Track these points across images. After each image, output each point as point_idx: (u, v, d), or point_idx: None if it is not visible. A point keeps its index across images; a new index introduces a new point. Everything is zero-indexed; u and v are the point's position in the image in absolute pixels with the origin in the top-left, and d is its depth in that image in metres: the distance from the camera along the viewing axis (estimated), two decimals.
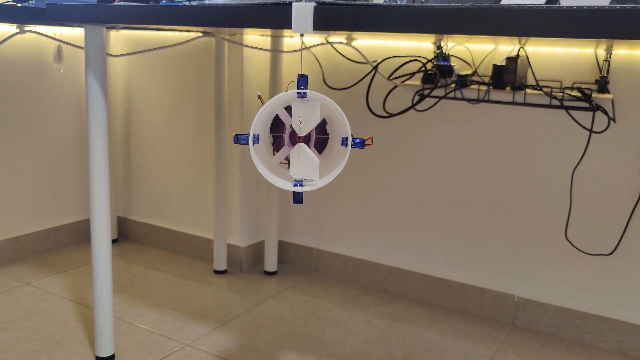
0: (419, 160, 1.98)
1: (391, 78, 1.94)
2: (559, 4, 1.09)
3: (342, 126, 1.02)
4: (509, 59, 1.62)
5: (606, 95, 1.60)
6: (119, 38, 2.42)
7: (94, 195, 1.49)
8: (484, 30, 0.90)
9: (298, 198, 1.04)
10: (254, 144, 1.06)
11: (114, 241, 2.53)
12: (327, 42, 2.03)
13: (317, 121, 1.05)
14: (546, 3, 1.06)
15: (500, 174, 1.86)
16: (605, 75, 1.62)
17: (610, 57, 1.63)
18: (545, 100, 1.66)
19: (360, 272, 2.15)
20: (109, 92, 2.43)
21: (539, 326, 1.85)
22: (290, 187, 1.04)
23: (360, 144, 1.01)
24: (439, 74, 1.74)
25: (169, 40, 2.28)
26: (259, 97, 1.13)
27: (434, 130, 1.94)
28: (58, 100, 2.33)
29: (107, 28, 2.22)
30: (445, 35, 1.24)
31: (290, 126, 1.08)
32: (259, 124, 1.07)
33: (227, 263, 2.25)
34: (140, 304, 1.93)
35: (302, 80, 1.03)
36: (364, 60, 2.01)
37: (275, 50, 2.07)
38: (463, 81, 1.73)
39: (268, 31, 1.75)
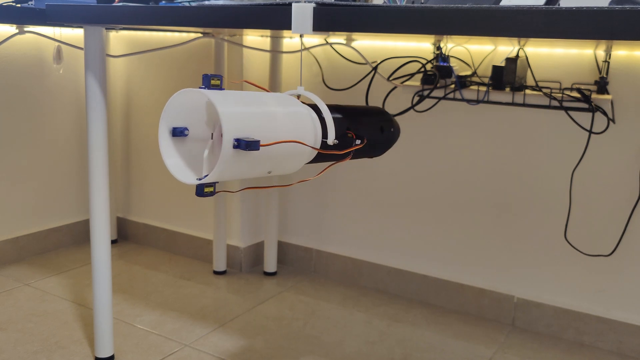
0: (419, 160, 1.98)
1: (391, 79, 1.94)
2: (559, 4, 1.09)
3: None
4: (508, 59, 1.63)
5: (605, 96, 1.61)
6: (119, 39, 2.43)
7: (94, 196, 1.49)
8: (483, 31, 0.90)
9: (197, 191, 1.04)
10: (175, 136, 1.09)
11: (113, 242, 2.53)
12: (327, 42, 2.03)
13: (203, 119, 1.07)
14: (545, 4, 1.06)
15: (500, 174, 1.86)
16: (604, 76, 1.63)
17: (609, 58, 1.63)
18: (545, 101, 1.66)
19: (359, 273, 2.15)
20: (108, 93, 2.43)
21: (538, 327, 1.85)
22: (187, 180, 1.06)
23: (245, 145, 0.98)
24: (438, 75, 1.74)
25: (169, 41, 2.28)
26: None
27: (434, 131, 1.94)
28: (57, 100, 2.33)
29: (106, 29, 2.22)
30: (444, 36, 1.24)
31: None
32: (180, 117, 1.09)
33: (226, 264, 2.25)
34: (139, 305, 1.93)
35: (206, 79, 1.04)
36: (363, 61, 2.01)
37: (275, 51, 2.07)
38: (462, 82, 1.73)
39: (268, 32, 1.75)
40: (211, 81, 1.04)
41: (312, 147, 1.11)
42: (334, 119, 1.17)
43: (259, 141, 0.98)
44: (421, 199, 2.00)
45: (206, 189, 1.04)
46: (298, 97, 1.22)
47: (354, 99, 2.05)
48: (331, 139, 1.15)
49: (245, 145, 0.97)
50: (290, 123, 1.07)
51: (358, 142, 1.22)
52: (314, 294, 2.07)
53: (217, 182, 1.06)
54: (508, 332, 1.85)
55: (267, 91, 1.17)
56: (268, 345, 1.71)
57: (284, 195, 2.29)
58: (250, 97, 1.07)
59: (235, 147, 0.97)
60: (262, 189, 2.28)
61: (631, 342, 1.72)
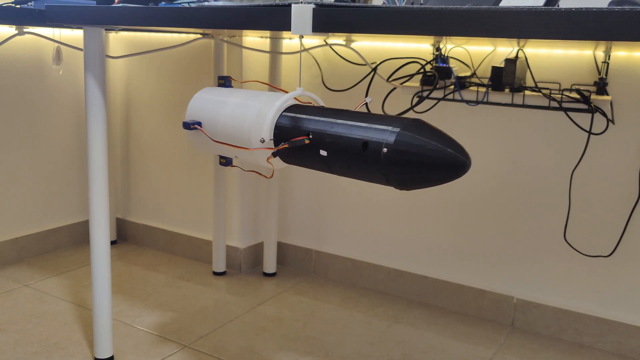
0: None
1: (390, 80, 1.94)
2: (558, 5, 1.10)
3: None
4: (507, 60, 1.63)
5: (605, 97, 1.61)
6: (118, 40, 2.43)
7: (93, 197, 1.49)
8: (483, 32, 0.90)
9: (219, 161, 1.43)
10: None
11: (113, 243, 2.52)
12: (326, 43, 2.03)
13: None
14: (545, 5, 1.06)
15: (499, 175, 1.86)
16: (604, 77, 1.63)
17: (608, 58, 1.63)
18: (544, 102, 1.66)
19: (359, 274, 2.15)
20: (108, 94, 2.43)
21: (538, 328, 1.85)
22: None
23: (184, 125, 1.36)
24: (437, 76, 1.74)
25: (168, 42, 2.28)
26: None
27: None
28: (57, 101, 2.33)
29: (106, 30, 2.22)
30: (444, 37, 1.25)
31: None
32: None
33: (226, 264, 2.25)
34: (139, 306, 1.93)
35: (216, 79, 1.37)
36: (363, 62, 2.01)
37: (275, 52, 2.07)
38: (462, 83, 1.73)
39: (267, 33, 1.75)
40: (219, 80, 1.42)
41: (211, 139, 1.33)
42: (305, 118, 1.19)
43: (188, 123, 1.34)
44: (420, 200, 2.00)
45: (221, 160, 1.40)
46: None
47: (354, 100, 2.05)
48: (261, 137, 1.23)
49: (184, 125, 1.35)
50: (231, 120, 1.29)
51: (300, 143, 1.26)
52: (313, 294, 2.07)
53: (232, 158, 1.35)
54: (507, 332, 1.85)
55: (279, 90, 1.34)
56: (267, 346, 1.71)
57: (283, 196, 2.29)
58: (228, 95, 1.32)
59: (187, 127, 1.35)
60: (262, 189, 2.28)
61: (631, 343, 1.73)
